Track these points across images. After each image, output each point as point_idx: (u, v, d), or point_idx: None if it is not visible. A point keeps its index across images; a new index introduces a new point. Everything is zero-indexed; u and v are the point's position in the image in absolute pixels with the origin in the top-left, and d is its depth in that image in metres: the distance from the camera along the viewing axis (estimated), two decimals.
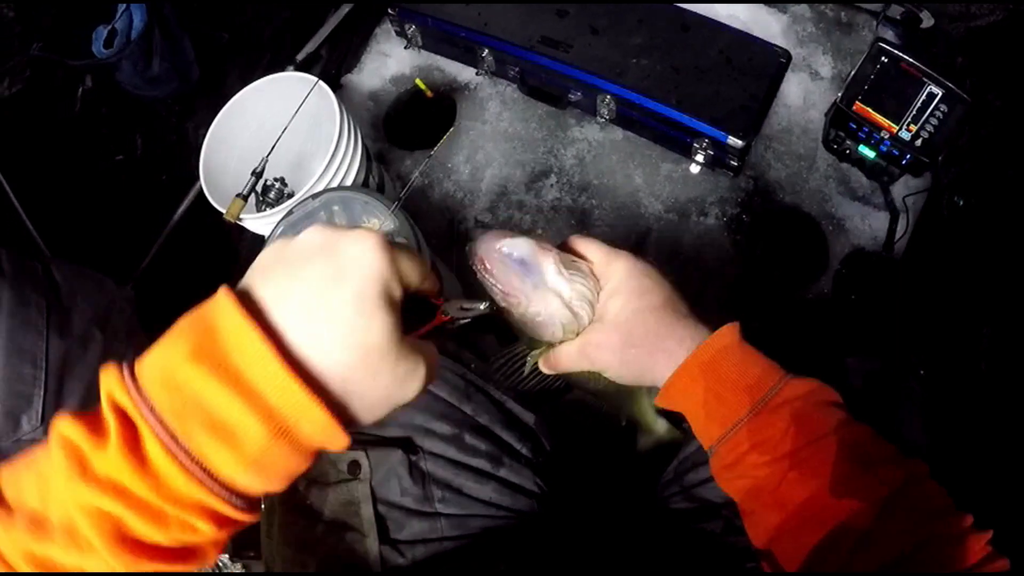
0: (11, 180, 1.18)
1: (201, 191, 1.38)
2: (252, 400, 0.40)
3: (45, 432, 0.98)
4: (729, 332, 0.64)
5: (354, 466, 0.82)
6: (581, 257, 0.69)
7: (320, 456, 0.46)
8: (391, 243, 0.47)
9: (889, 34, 1.51)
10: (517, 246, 0.64)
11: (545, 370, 0.72)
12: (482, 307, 0.61)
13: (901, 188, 1.45)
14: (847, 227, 1.47)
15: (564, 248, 0.70)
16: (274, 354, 0.40)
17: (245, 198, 1.32)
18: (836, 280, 1.45)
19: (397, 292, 0.46)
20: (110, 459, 0.40)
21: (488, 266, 0.64)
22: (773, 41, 1.46)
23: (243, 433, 0.41)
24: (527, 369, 0.73)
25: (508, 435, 0.88)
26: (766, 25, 1.55)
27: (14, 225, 1.19)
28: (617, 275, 0.67)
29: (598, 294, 0.67)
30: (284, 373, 0.40)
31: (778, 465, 0.59)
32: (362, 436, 0.84)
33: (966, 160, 1.22)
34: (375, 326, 0.44)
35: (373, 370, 0.44)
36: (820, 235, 1.49)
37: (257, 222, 1.34)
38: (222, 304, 0.42)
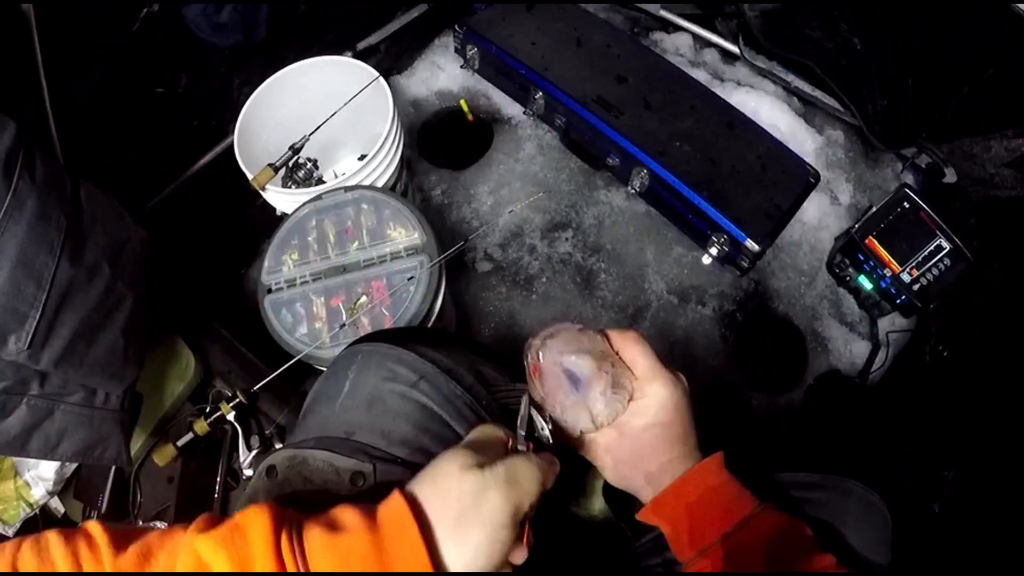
0: (49, 84, 1.14)
1: (229, 147, 1.36)
2: (367, 514, 0.52)
3: (29, 357, 0.94)
4: (707, 469, 0.69)
5: (357, 476, 0.81)
6: (611, 342, 0.71)
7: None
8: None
9: (910, 179, 1.62)
10: (580, 367, 0.67)
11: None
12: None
13: (887, 324, 1.53)
14: (829, 348, 1.54)
15: (612, 339, 0.71)
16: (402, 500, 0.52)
17: (277, 169, 1.31)
18: (808, 394, 1.52)
19: (473, 442, 0.59)
20: (252, 511, 0.50)
21: (542, 372, 0.67)
22: (805, 158, 1.54)
23: (343, 526, 0.51)
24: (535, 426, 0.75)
25: None
26: (802, 141, 1.63)
27: (40, 132, 1.15)
28: (652, 397, 0.69)
29: (627, 403, 0.69)
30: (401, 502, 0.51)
31: None
32: (372, 451, 0.84)
33: (959, 315, 1.31)
34: (444, 460, 0.56)
35: (444, 490, 0.54)
36: (802, 349, 1.55)
37: (281, 197, 1.33)
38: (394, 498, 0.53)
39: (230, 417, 1.13)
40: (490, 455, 0.56)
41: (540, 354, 0.68)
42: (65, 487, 1.19)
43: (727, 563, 0.65)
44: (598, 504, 1.02)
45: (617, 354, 0.71)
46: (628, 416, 0.69)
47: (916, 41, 1.40)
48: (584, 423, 0.68)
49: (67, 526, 1.19)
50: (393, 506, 0.51)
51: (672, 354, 1.52)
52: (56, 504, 1.21)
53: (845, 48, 1.51)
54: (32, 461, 1.15)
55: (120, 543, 0.50)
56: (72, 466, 1.18)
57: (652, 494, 0.70)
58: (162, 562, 0.48)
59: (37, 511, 1.15)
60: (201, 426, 1.12)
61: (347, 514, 0.51)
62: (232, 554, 0.47)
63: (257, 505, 0.50)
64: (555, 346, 0.67)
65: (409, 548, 0.49)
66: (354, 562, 0.48)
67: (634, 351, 0.70)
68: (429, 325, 1.22)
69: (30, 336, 0.94)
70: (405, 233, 1.23)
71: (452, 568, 0.50)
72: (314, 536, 0.48)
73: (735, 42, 1.75)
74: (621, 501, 0.94)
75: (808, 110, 1.70)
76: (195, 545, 0.48)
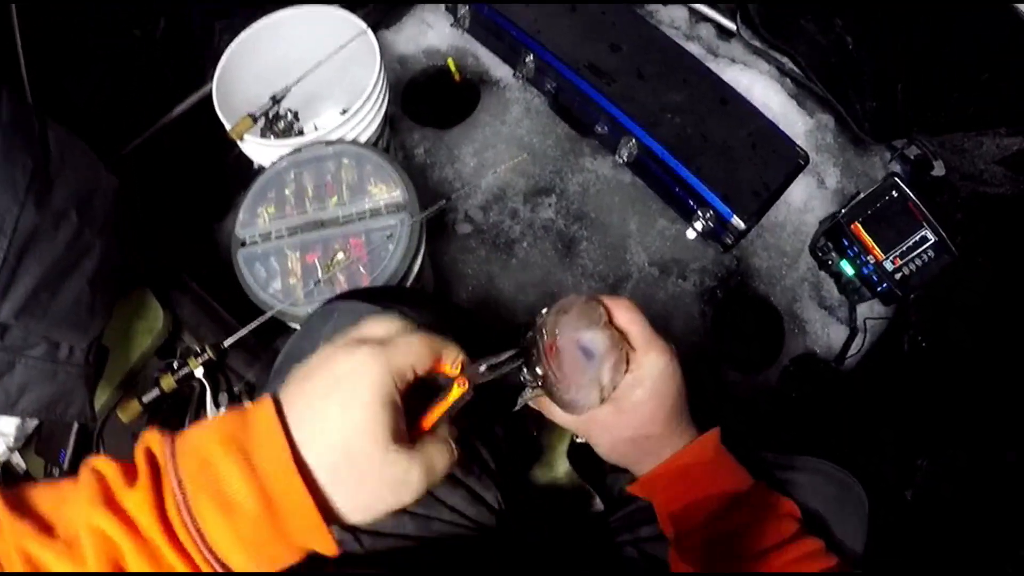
0: (21, 21, 1.08)
1: (207, 96, 1.31)
2: (255, 480, 0.44)
3: None
4: (705, 444, 0.67)
5: None
6: (609, 314, 0.66)
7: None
8: (392, 339, 0.50)
9: (897, 168, 1.61)
10: (597, 343, 0.62)
11: (533, 405, 0.70)
12: (511, 365, 0.59)
13: (865, 310, 1.53)
14: (807, 330, 1.54)
15: (605, 305, 0.67)
16: (286, 449, 0.45)
17: (256, 120, 1.27)
18: (783, 375, 1.52)
19: (392, 392, 0.48)
20: (136, 497, 0.44)
21: (559, 351, 0.61)
22: (795, 139, 1.52)
23: (239, 507, 0.44)
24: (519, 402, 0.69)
25: (480, 444, 0.87)
26: (792, 123, 1.61)
27: (9, 68, 1.09)
28: (649, 368, 0.65)
29: (624, 374, 0.65)
30: (289, 463, 0.45)
31: (727, 565, 0.64)
32: None
33: (939, 307, 1.31)
34: (360, 431, 0.47)
35: (359, 473, 0.47)
36: (780, 330, 1.55)
37: (259, 148, 1.29)
38: (264, 404, 0.47)
39: (198, 373, 1.10)
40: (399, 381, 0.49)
41: (556, 331, 0.62)
42: (27, 443, 1.16)
43: (718, 542, 0.64)
44: (562, 467, 1.01)
45: (612, 322, 0.66)
46: (625, 389, 0.64)
47: (911, 42, 1.38)
48: (594, 400, 0.63)
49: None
50: (285, 481, 0.45)
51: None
52: (17, 460, 1.17)
53: (838, 45, 1.50)
54: None
55: (16, 508, 0.46)
56: (34, 421, 1.14)
57: (649, 468, 0.67)
58: (63, 535, 0.44)
59: None
60: (168, 382, 1.09)
61: (234, 483, 0.44)
62: (139, 543, 0.43)
63: (137, 486, 0.45)
64: (571, 322, 0.62)
65: (312, 532, 0.45)
66: (260, 550, 0.45)
67: (628, 319, 0.66)
68: (407, 285, 1.19)
69: None
70: (386, 190, 1.20)
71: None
72: (209, 518, 0.44)
73: (732, 19, 1.72)
74: (586, 462, 0.92)
75: (801, 92, 1.68)
76: (96, 522, 0.44)
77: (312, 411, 0.47)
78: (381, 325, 0.53)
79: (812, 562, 0.64)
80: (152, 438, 0.47)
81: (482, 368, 0.56)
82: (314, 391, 0.48)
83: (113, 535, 0.43)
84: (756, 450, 0.79)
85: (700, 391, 1.47)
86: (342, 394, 0.47)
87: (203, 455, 0.45)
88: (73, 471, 1.10)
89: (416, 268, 1.20)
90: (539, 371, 0.62)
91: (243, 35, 1.31)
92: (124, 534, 0.43)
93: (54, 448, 1.14)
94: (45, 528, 0.44)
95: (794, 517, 0.67)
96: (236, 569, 0.45)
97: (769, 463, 0.79)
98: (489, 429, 0.89)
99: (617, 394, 0.65)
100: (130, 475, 0.46)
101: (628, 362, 0.65)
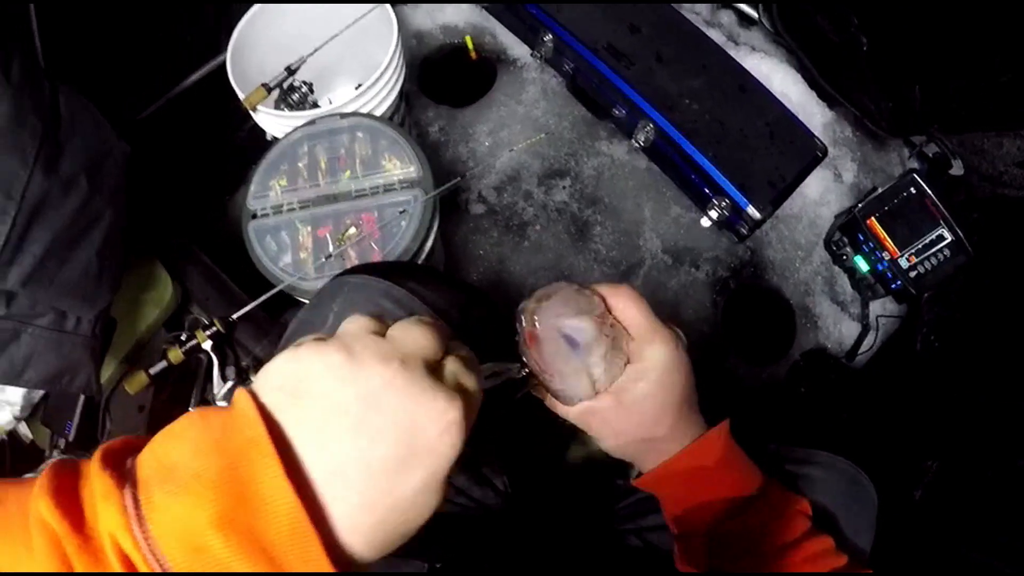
0: None
1: (221, 66, 1.30)
2: None
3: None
4: (715, 439, 0.65)
5: None
6: (604, 299, 0.63)
7: None
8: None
9: (915, 165, 1.59)
10: (581, 331, 0.59)
11: (535, 393, 0.68)
12: (514, 370, 0.59)
13: (877, 308, 1.52)
14: (819, 325, 1.53)
15: (604, 295, 0.63)
16: (322, 551, 0.36)
17: (270, 90, 1.25)
18: (792, 370, 1.51)
19: None
20: None
21: (539, 339, 0.59)
22: (813, 131, 1.50)
23: None
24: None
25: (488, 428, 0.86)
26: (811, 114, 1.59)
27: (21, 30, 1.07)
28: (653, 359, 0.61)
29: (625, 366, 0.61)
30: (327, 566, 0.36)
31: (737, 564, 0.63)
32: None
33: (953, 307, 1.29)
34: (429, 508, 0.41)
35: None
36: (792, 324, 1.54)
37: (272, 119, 1.27)
38: (265, 468, 0.36)
39: (206, 346, 1.09)
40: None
41: (536, 319, 0.59)
42: (33, 412, 1.15)
43: (726, 541, 0.64)
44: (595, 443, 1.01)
45: (610, 312, 0.63)
46: (627, 381, 0.61)
47: (928, 43, 1.35)
48: (584, 390, 0.61)
49: (34, 453, 1.16)
50: (293, 525, 0.36)
51: (660, 315, 1.49)
52: (24, 430, 1.17)
53: (851, 45, 1.48)
54: None
55: None
56: (40, 391, 1.14)
57: (655, 463, 0.65)
58: None
59: (4, 436, 1.12)
60: (175, 354, 1.08)
61: (219, 550, 0.35)
62: None
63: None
64: (552, 309, 0.60)
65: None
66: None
67: (629, 308, 0.62)
68: (419, 263, 1.18)
69: None
70: (400, 165, 1.18)
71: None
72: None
73: (754, 7, 1.70)
74: None
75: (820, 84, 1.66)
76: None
77: (376, 497, 0.38)
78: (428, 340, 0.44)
79: (822, 561, 0.64)
80: (114, 522, 0.35)
81: (485, 375, 0.54)
82: (379, 463, 0.38)
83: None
84: (767, 443, 0.78)
85: (707, 384, 1.47)
86: (423, 472, 0.39)
87: (195, 543, 0.35)
88: (79, 443, 1.11)
89: (428, 246, 1.18)
90: (525, 360, 0.60)
91: (259, 4, 1.29)
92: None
93: (60, 419, 1.13)
94: None
95: (805, 515, 0.66)
96: None
97: (782, 456, 0.78)
98: (498, 412, 0.88)
99: (618, 387, 0.62)
100: (93, 552, 0.36)
101: (630, 352, 0.62)
